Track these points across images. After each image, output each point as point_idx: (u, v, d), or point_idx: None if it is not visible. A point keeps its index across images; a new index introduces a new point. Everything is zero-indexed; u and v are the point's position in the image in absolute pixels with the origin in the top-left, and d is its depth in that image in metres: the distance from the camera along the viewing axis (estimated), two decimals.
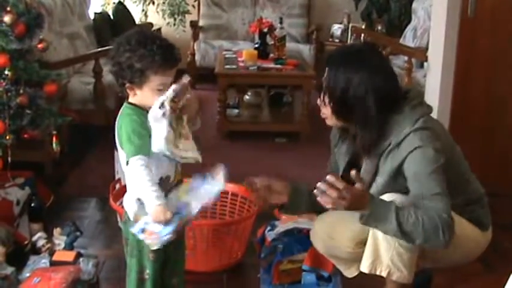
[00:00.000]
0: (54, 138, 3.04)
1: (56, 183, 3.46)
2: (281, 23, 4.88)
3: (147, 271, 1.90)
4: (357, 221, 1.97)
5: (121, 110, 1.85)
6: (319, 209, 1.98)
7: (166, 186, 1.86)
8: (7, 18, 2.75)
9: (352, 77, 1.87)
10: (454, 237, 1.92)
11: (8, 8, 2.78)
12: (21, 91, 2.82)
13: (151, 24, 6.11)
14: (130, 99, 1.85)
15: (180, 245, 2.01)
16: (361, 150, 1.99)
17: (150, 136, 1.76)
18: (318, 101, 1.99)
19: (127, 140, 1.77)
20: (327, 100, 1.94)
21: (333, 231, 2.07)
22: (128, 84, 1.79)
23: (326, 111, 1.98)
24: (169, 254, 1.94)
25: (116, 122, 1.84)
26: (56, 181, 3.50)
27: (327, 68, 1.95)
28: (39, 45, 2.99)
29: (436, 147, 1.85)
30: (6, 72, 2.77)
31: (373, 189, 1.95)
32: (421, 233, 1.79)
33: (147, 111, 1.79)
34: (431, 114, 1.98)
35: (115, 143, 1.86)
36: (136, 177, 1.75)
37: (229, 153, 4.13)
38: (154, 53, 1.74)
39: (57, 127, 3.03)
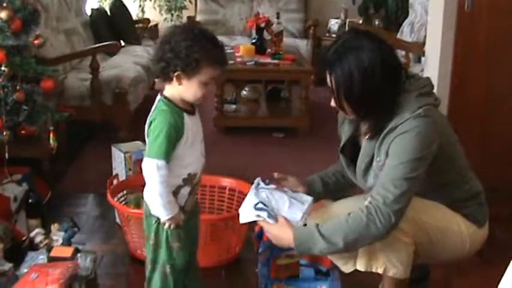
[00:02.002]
0: (51, 134, 3.04)
1: (53, 179, 3.45)
2: (278, 18, 4.88)
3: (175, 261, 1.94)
4: None
5: (156, 103, 1.87)
6: (335, 196, 2.15)
7: (192, 182, 1.91)
8: (3, 14, 2.75)
9: (354, 68, 1.83)
10: (444, 233, 1.94)
11: (4, 4, 2.78)
12: (17, 87, 2.82)
13: (148, 20, 6.09)
14: (166, 92, 1.86)
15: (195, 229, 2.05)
16: (368, 133, 1.97)
17: (179, 141, 1.81)
18: (332, 103, 1.95)
19: (156, 138, 1.80)
20: (343, 103, 1.90)
21: None
22: (178, 72, 1.79)
23: (345, 110, 1.94)
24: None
25: (151, 113, 1.86)
26: (53, 177, 3.50)
27: (326, 72, 1.90)
28: (36, 41, 2.99)
29: (426, 138, 1.82)
30: (2, 68, 2.77)
31: (373, 171, 1.95)
32: (349, 234, 1.80)
33: (181, 109, 1.84)
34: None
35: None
36: (152, 184, 1.81)
37: (227, 149, 4.13)
38: (213, 46, 1.83)
39: (54, 123, 3.02)
